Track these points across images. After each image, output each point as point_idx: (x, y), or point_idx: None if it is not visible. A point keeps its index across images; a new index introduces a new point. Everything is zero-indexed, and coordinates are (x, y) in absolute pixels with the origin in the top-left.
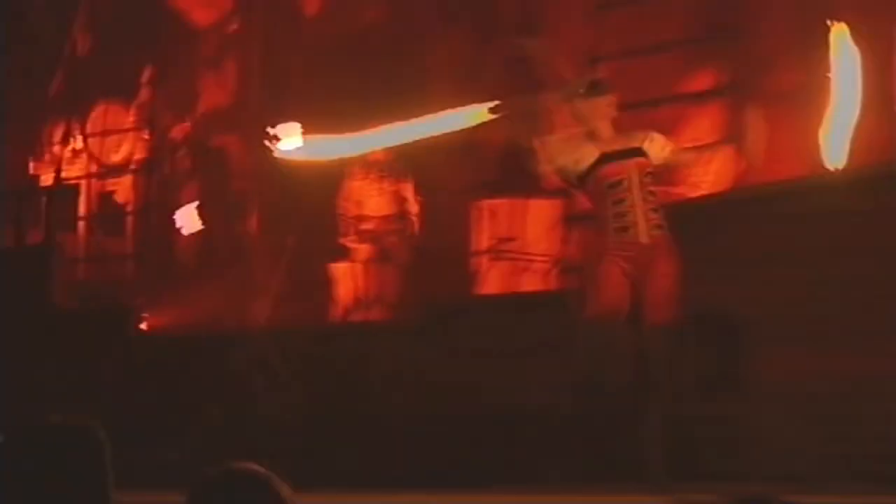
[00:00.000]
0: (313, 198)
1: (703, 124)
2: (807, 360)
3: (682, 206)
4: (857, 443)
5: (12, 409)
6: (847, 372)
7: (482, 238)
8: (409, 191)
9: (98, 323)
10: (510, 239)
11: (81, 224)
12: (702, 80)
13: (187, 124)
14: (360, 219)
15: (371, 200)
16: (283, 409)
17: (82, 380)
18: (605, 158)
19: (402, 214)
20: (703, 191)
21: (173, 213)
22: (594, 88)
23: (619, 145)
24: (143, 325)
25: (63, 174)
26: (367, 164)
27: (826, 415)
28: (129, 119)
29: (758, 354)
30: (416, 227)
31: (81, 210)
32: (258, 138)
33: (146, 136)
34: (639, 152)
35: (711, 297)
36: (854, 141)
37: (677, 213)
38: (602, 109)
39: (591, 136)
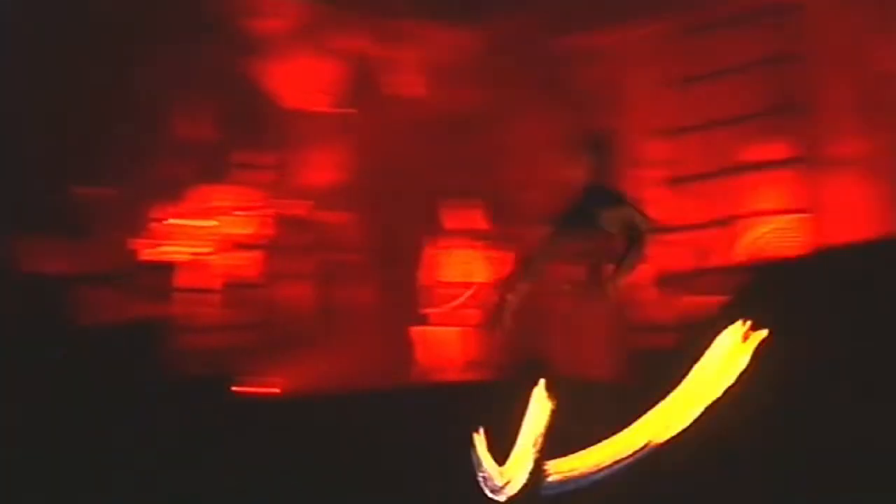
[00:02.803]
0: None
1: (777, 191)
2: None
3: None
4: None
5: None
6: None
7: None
8: (501, 258)
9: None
10: None
11: (194, 297)
12: (774, 150)
13: (299, 202)
14: (457, 285)
15: (467, 268)
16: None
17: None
18: None
19: (496, 281)
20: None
21: (289, 286)
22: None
23: None
24: (262, 391)
25: (174, 250)
26: (474, 234)
27: None
28: (246, 197)
29: None
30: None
31: (196, 283)
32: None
33: (263, 214)
34: None
35: None
36: None
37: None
38: None
39: None
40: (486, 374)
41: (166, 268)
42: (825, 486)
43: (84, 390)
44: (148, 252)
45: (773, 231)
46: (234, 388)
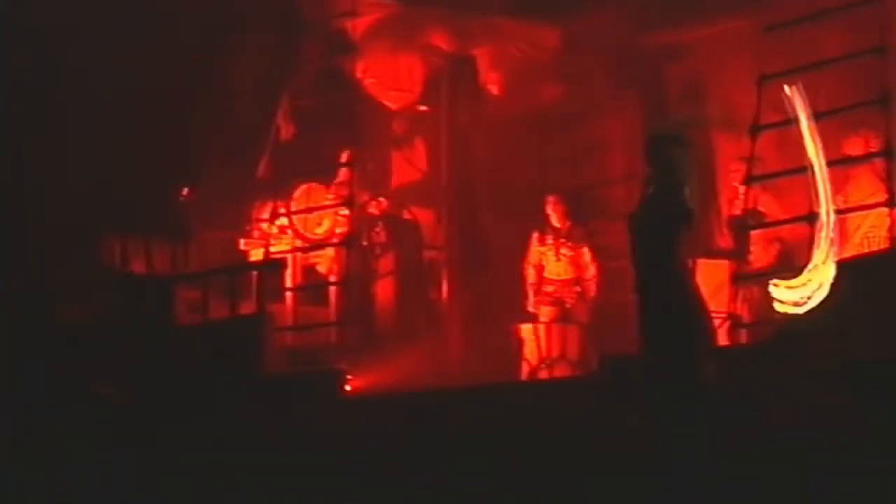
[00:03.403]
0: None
1: (862, 186)
2: None
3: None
4: None
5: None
6: None
7: None
8: (587, 255)
9: (306, 386)
10: None
11: (289, 295)
12: (858, 145)
13: (383, 200)
14: (543, 282)
15: (552, 265)
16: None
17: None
18: None
19: (581, 278)
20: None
21: (372, 283)
22: None
23: None
24: (348, 388)
25: (271, 249)
26: (548, 231)
27: None
28: (330, 197)
29: None
30: (595, 289)
31: (288, 282)
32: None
33: (346, 212)
34: None
35: None
36: None
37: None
38: None
39: None
40: (573, 370)
41: (264, 266)
42: None
43: (183, 388)
44: (246, 251)
45: (862, 227)
46: (334, 386)
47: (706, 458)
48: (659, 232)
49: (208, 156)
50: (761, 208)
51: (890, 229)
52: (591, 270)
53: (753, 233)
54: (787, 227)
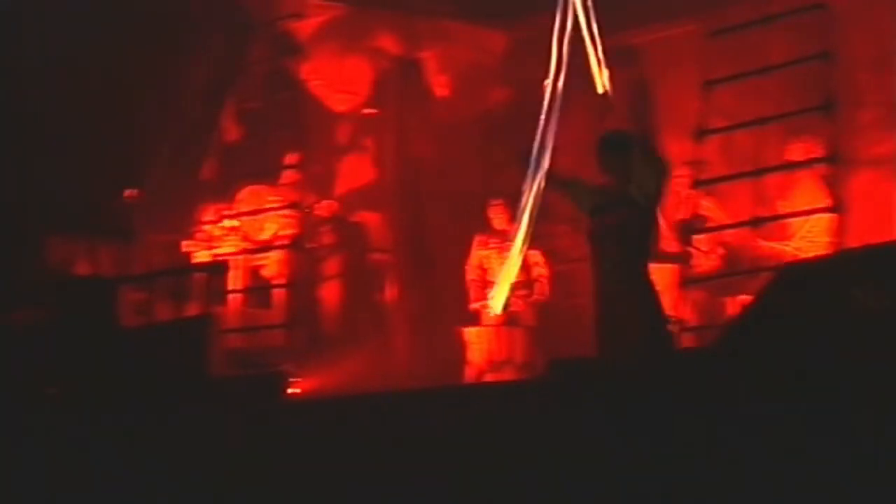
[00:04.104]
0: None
1: (805, 191)
2: None
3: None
4: None
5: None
6: None
7: None
8: (533, 259)
9: (250, 388)
10: None
11: (234, 297)
12: (801, 150)
13: (329, 202)
14: (487, 285)
15: (496, 268)
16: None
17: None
18: None
19: (530, 280)
20: (807, 254)
21: (318, 285)
22: None
23: None
24: (293, 390)
25: (216, 252)
26: (492, 234)
27: None
28: (276, 199)
29: None
30: (544, 291)
31: (233, 284)
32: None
33: (292, 215)
34: None
35: None
36: None
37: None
38: None
39: None
40: (519, 373)
41: (209, 268)
42: None
43: (127, 391)
44: (191, 253)
45: (802, 231)
46: (275, 389)
47: (656, 461)
48: (620, 236)
49: (153, 157)
50: (705, 213)
51: (835, 234)
52: (538, 273)
53: (698, 237)
54: (731, 231)
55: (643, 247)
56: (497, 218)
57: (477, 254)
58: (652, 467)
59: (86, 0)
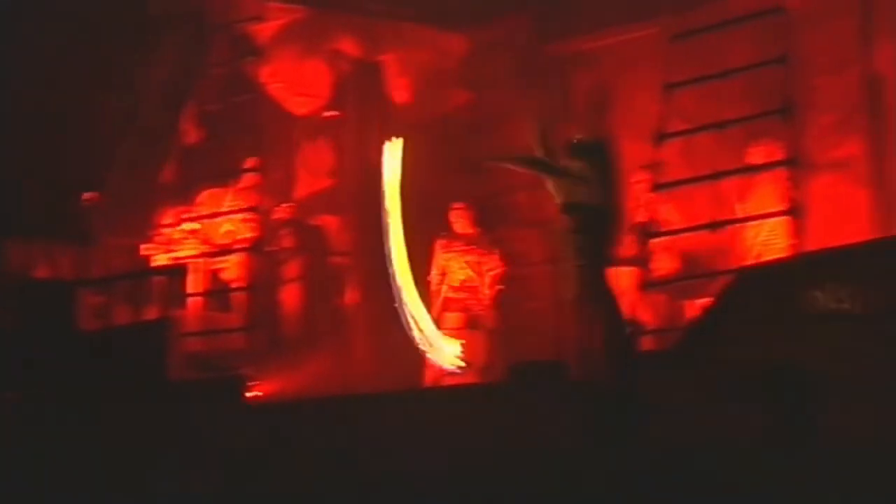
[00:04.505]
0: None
1: (764, 194)
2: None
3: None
4: None
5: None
6: None
7: None
8: (493, 262)
9: (210, 392)
10: None
11: (193, 300)
12: (761, 154)
13: (289, 205)
14: (449, 289)
15: (458, 272)
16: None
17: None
18: None
19: (489, 284)
20: (765, 257)
21: (278, 289)
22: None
23: None
24: (253, 393)
25: (175, 255)
26: (453, 238)
27: None
28: (235, 202)
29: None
30: (501, 296)
31: (192, 288)
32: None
33: (251, 218)
34: None
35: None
36: None
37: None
38: None
39: None
40: (479, 376)
41: (168, 272)
42: None
43: (86, 393)
44: (150, 256)
45: (761, 234)
46: (235, 392)
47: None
48: (585, 238)
49: (112, 160)
50: (663, 216)
51: (794, 237)
52: (498, 277)
53: (656, 240)
54: (689, 234)
55: (605, 250)
56: (458, 222)
57: (439, 258)
58: (612, 469)
59: (43, 2)
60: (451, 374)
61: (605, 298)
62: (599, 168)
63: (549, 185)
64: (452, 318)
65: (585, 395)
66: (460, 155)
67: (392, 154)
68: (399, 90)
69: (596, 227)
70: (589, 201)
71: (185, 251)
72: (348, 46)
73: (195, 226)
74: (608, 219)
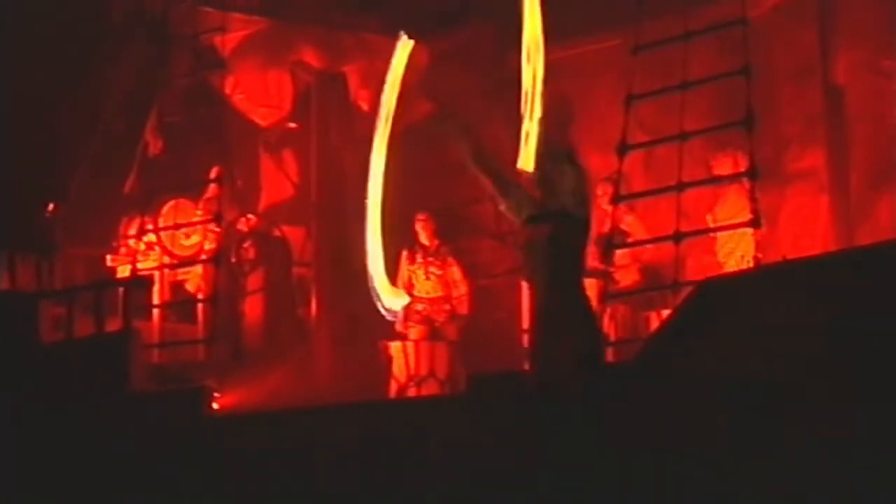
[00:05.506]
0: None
1: (728, 205)
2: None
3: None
4: None
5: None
6: None
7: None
8: (456, 273)
9: (172, 404)
10: None
11: (156, 312)
12: (726, 165)
13: (252, 216)
14: (413, 300)
15: (421, 283)
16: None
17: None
18: None
19: (450, 296)
20: (730, 268)
21: (241, 300)
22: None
23: None
24: (215, 405)
25: (138, 266)
26: (417, 249)
27: None
28: (198, 213)
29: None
30: (465, 307)
31: (156, 299)
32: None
33: (214, 229)
34: None
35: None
36: None
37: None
38: None
39: None
40: (441, 387)
41: (130, 283)
42: None
43: (48, 405)
44: (115, 268)
45: (725, 245)
46: (197, 404)
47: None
48: (554, 248)
49: (75, 170)
50: (625, 227)
51: (758, 248)
52: (461, 289)
53: (619, 252)
54: (652, 246)
55: (577, 259)
56: (422, 232)
57: (404, 269)
58: (573, 480)
59: (3, 11)
60: (415, 385)
61: (582, 307)
62: (571, 177)
63: (512, 197)
64: (415, 329)
65: (546, 406)
66: (424, 165)
67: (400, 54)
68: (362, 101)
69: (573, 236)
70: (567, 210)
71: (149, 262)
72: (311, 57)
73: (158, 237)
74: (584, 227)
